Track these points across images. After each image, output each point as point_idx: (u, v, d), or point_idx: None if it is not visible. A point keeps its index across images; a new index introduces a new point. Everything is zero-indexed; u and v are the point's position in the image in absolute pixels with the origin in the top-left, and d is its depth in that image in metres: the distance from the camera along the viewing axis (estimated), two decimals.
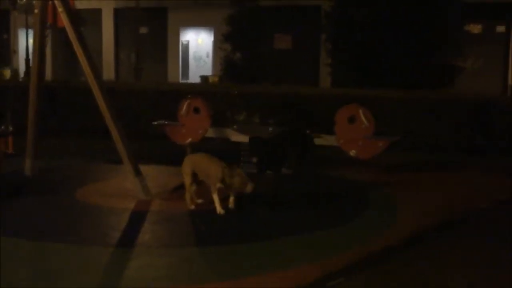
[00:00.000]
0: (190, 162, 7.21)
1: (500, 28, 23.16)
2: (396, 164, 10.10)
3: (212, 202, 6.91)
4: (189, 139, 9.93)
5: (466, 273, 5.17)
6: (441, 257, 5.61)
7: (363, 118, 9.25)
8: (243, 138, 9.44)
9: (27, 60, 25.10)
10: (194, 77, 26.36)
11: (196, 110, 10.13)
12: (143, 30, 26.68)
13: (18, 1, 25.91)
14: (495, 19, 22.95)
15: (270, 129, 9.56)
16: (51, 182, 8.52)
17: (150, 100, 12.74)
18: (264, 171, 8.08)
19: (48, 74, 23.07)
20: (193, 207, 7.10)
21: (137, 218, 6.79)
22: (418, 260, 5.49)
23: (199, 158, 7.22)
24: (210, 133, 10.07)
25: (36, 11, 8.48)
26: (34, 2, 8.67)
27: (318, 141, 9.50)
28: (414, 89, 12.75)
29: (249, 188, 6.79)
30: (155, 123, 10.56)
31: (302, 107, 11.77)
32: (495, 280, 5.07)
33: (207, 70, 26.58)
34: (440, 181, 9.10)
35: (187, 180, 7.16)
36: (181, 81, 26.16)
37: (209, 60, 27.76)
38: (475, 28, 22.30)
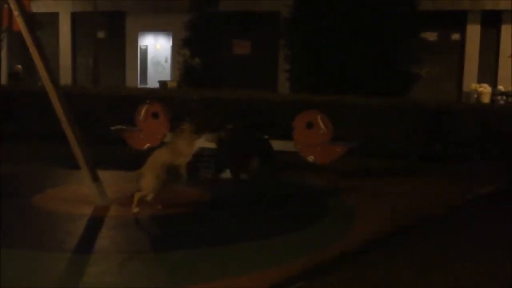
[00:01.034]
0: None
1: (455, 36, 23.58)
2: (354, 170, 10.18)
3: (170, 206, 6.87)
4: (148, 144, 9.92)
5: (420, 278, 5.26)
6: (397, 262, 5.69)
7: (321, 124, 9.32)
8: (201, 143, 9.42)
9: None
10: (152, 82, 26.19)
11: (155, 115, 10.10)
12: (101, 34, 26.40)
13: None
14: (451, 27, 23.37)
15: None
16: (8, 187, 8.38)
17: (108, 105, 12.64)
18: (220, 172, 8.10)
19: (4, 78, 22.75)
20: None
21: (95, 224, 6.74)
22: (374, 264, 5.56)
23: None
24: (169, 138, 10.03)
25: None
26: None
27: (276, 146, 9.56)
28: (371, 95, 12.89)
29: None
30: (114, 128, 10.49)
31: (261, 112, 11.80)
32: (449, 285, 5.16)
33: (166, 75, 26.44)
34: (397, 187, 9.19)
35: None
36: (139, 86, 25.97)
37: (168, 65, 27.63)
38: (431, 36, 22.63)
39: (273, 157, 8.54)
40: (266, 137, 9.16)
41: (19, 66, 22.63)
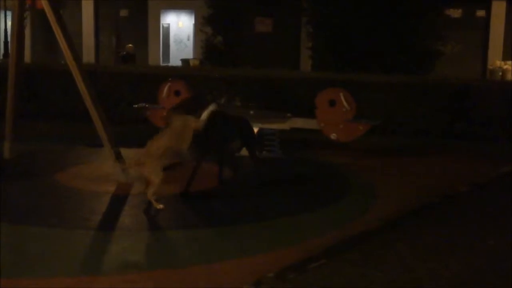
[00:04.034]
0: None
1: (480, 13, 23.23)
2: (376, 148, 10.15)
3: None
4: None
5: (442, 256, 5.24)
6: (419, 240, 5.67)
7: (344, 102, 9.27)
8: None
9: (5, 42, 24.83)
10: (175, 60, 26.19)
11: (177, 93, 10.11)
12: (124, 13, 26.40)
13: None
14: (475, 4, 23.03)
15: (252, 112, 9.54)
16: (31, 165, 8.47)
17: (131, 83, 12.66)
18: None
19: (27, 56, 22.84)
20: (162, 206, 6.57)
21: (118, 201, 6.79)
22: (396, 242, 5.54)
23: None
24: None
25: None
26: None
27: (298, 124, 9.54)
28: (394, 73, 12.79)
29: None
30: (136, 106, 10.53)
31: (283, 90, 11.76)
32: (472, 263, 5.13)
33: (188, 53, 26.41)
34: (419, 166, 9.15)
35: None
36: (162, 64, 25.99)
37: (190, 43, 27.60)
38: (455, 13, 22.34)
39: (254, 139, 7.91)
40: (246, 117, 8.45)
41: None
